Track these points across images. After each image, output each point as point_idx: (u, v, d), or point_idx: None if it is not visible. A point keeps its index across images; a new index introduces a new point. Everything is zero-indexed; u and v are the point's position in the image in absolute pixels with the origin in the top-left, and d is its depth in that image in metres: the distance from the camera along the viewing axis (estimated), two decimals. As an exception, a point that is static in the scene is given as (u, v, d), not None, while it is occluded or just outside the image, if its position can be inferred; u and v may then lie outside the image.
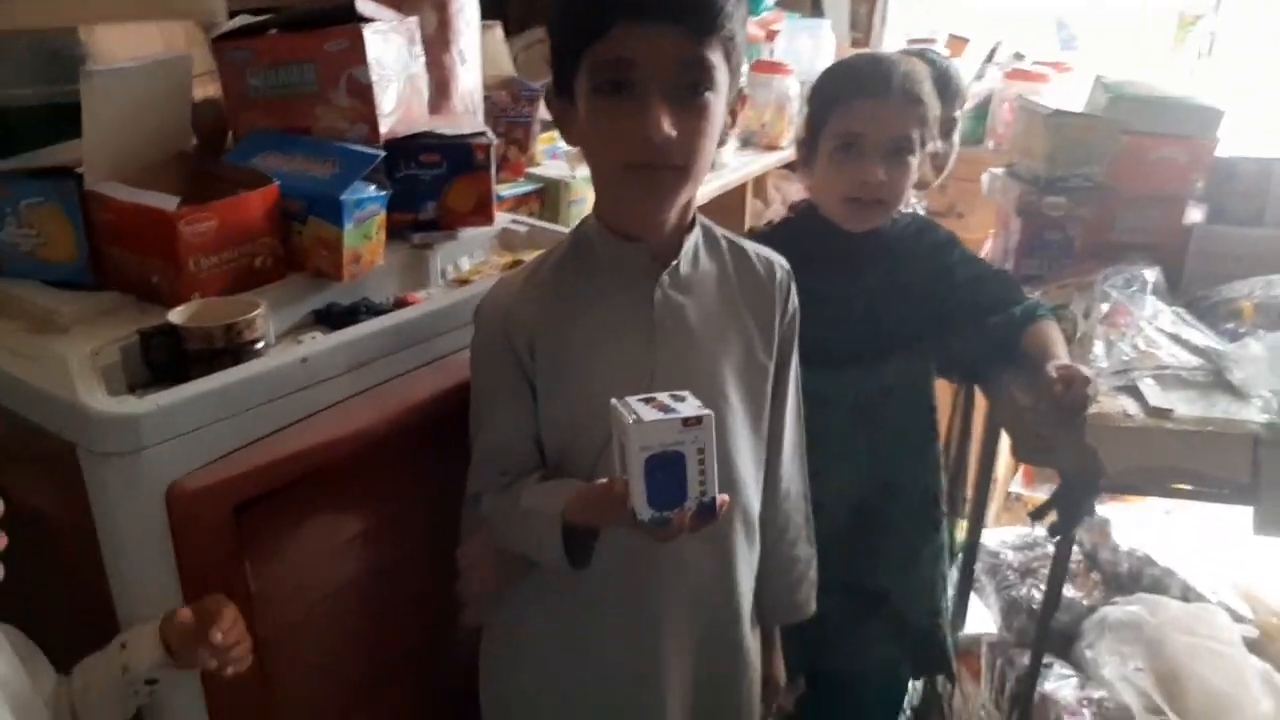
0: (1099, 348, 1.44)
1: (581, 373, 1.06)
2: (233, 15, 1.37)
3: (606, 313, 1.07)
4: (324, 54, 1.26)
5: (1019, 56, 2.97)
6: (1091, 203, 1.71)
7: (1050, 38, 3.22)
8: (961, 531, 2.03)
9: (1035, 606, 1.85)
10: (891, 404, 1.47)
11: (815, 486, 1.28)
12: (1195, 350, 1.46)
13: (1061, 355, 1.35)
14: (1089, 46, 3.17)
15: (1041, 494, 2.05)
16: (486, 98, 1.80)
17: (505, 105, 1.92)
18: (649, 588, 1.11)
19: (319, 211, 1.18)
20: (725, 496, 0.91)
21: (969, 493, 2.01)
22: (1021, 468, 2.53)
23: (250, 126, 1.32)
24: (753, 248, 1.16)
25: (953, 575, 1.82)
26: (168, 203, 1.08)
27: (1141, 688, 1.65)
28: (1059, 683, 1.71)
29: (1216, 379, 1.40)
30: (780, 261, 1.17)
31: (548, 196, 1.91)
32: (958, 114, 1.68)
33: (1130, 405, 1.35)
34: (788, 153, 2.69)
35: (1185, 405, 1.34)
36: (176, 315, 1.05)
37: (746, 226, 2.51)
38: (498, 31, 2.14)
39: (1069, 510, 1.35)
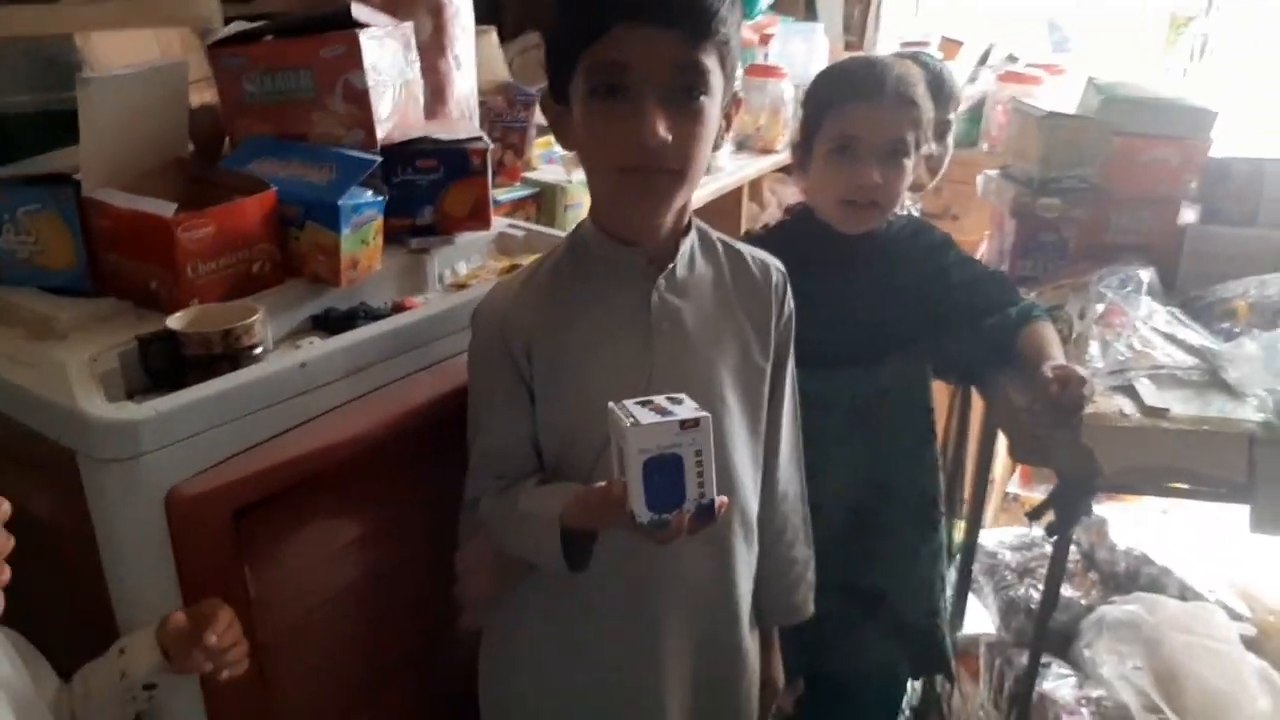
0: (1094, 348, 1.44)
1: (579, 376, 1.06)
2: (228, 21, 1.38)
3: (603, 316, 1.07)
4: (320, 60, 1.26)
5: (1012, 59, 2.98)
6: (1085, 204, 1.72)
7: (1043, 40, 3.24)
8: (959, 532, 2.03)
9: (1033, 606, 1.86)
10: (888, 405, 1.47)
11: (813, 488, 1.28)
12: (1190, 350, 1.46)
13: (1057, 356, 1.35)
14: (1082, 48, 3.18)
15: (1039, 494, 2.05)
16: (482, 103, 1.80)
17: (501, 110, 1.93)
18: (647, 590, 1.11)
19: (316, 217, 1.18)
20: (724, 498, 0.91)
21: (966, 493, 2.01)
22: (1018, 468, 2.53)
23: (247, 132, 1.32)
24: (748, 251, 1.17)
25: (951, 576, 1.82)
26: (165, 209, 1.09)
27: (1139, 686, 1.65)
28: (1057, 682, 1.72)
29: (1212, 378, 1.41)
30: (776, 264, 1.18)
31: (544, 201, 1.91)
32: (951, 116, 1.69)
33: (1126, 405, 1.35)
34: (783, 156, 2.71)
35: (1181, 405, 1.35)
36: (175, 321, 1.05)
37: (742, 230, 2.51)
38: (493, 36, 2.14)
39: (1066, 510, 1.35)
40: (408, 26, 1.39)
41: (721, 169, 2.48)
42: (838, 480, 1.43)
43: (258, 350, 1.07)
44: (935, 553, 1.55)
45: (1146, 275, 1.61)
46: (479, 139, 1.39)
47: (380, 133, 1.30)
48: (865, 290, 1.44)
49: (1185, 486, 1.37)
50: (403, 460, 1.18)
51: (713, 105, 0.98)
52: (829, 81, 1.43)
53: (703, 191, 2.24)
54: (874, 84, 1.35)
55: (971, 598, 2.00)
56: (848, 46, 3.31)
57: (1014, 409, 1.39)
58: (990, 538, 2.08)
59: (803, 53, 2.92)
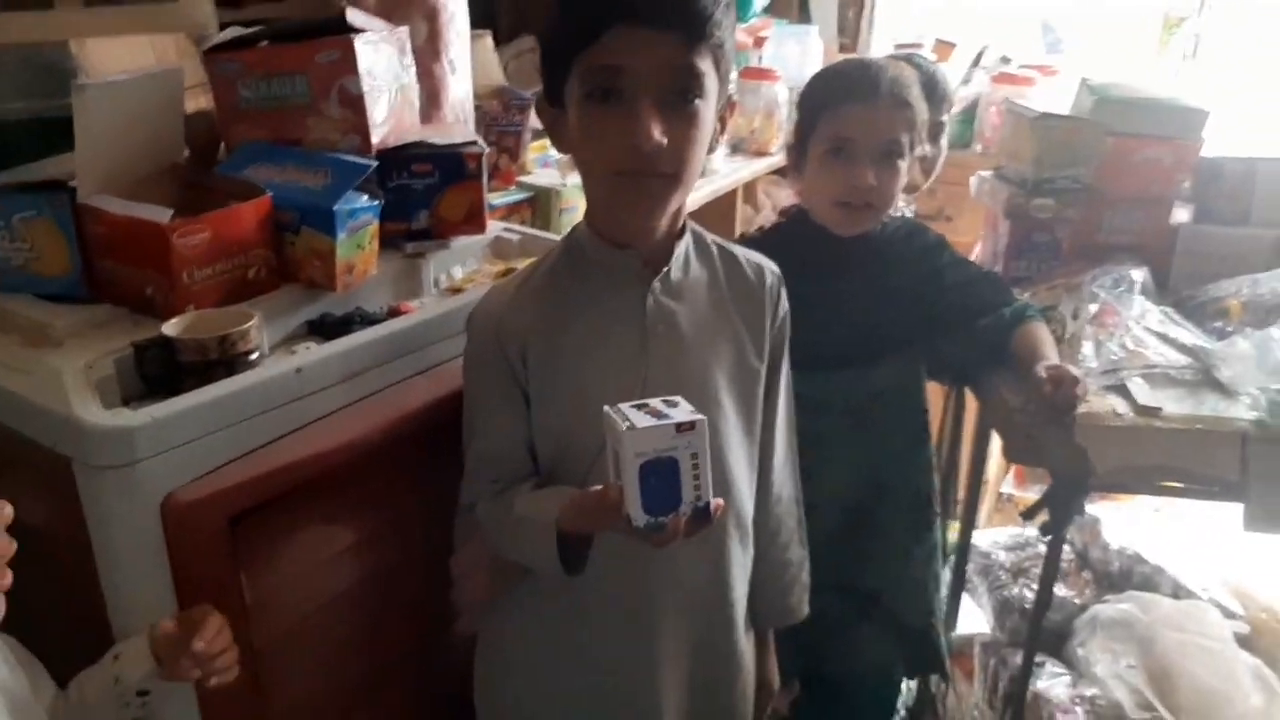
0: (1088, 348, 1.45)
1: (574, 380, 1.06)
2: (223, 27, 1.38)
3: (599, 319, 1.08)
4: (315, 65, 1.26)
5: (1005, 60, 2.99)
6: (1079, 204, 1.73)
7: (1036, 41, 3.24)
8: (953, 533, 2.04)
9: (1027, 606, 1.87)
10: (883, 407, 1.48)
11: (809, 489, 1.29)
12: (1183, 349, 1.47)
13: (1051, 356, 1.36)
14: (1075, 50, 3.19)
15: (1032, 494, 2.06)
16: (477, 107, 1.81)
17: (496, 114, 1.93)
18: (642, 593, 1.11)
19: (312, 222, 1.18)
20: (720, 501, 0.92)
21: (960, 494, 2.02)
22: (1012, 468, 2.54)
23: (242, 138, 1.33)
24: (743, 253, 1.17)
25: (945, 576, 1.83)
26: (161, 215, 1.09)
27: (1133, 685, 1.66)
28: (1051, 681, 1.72)
29: (1205, 377, 1.41)
30: (770, 266, 1.18)
31: (539, 205, 1.92)
32: (945, 118, 1.70)
33: (1119, 404, 1.36)
34: (777, 158, 2.71)
35: (1174, 404, 1.35)
36: (170, 327, 1.05)
37: (737, 232, 2.52)
38: (488, 40, 2.15)
39: (1060, 509, 1.36)
40: (403, 31, 1.39)
41: (716, 172, 2.48)
42: (834, 481, 1.44)
43: (253, 356, 1.07)
44: (930, 553, 1.56)
45: (1139, 275, 1.62)
46: (474, 143, 1.40)
47: (375, 137, 1.31)
48: (860, 292, 1.45)
49: (1178, 485, 1.38)
50: (399, 465, 1.18)
51: (707, 108, 0.99)
52: (824, 84, 1.43)
53: (697, 194, 2.24)
54: (868, 86, 1.36)
55: (966, 598, 2.00)
56: (842, 49, 3.31)
57: (1008, 409, 1.39)
58: (984, 538, 2.09)
59: (797, 55, 2.93)
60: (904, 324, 1.46)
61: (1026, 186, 1.74)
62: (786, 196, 2.61)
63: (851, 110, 1.37)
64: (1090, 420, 1.32)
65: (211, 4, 1.44)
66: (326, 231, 1.18)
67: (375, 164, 1.27)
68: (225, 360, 1.04)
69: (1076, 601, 1.87)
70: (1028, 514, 1.40)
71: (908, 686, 1.97)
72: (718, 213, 2.50)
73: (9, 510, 0.75)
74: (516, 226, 1.61)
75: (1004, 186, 1.80)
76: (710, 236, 1.16)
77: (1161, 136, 1.74)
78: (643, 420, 0.87)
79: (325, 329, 1.22)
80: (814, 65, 2.84)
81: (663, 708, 1.15)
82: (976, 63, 3.03)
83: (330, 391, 1.12)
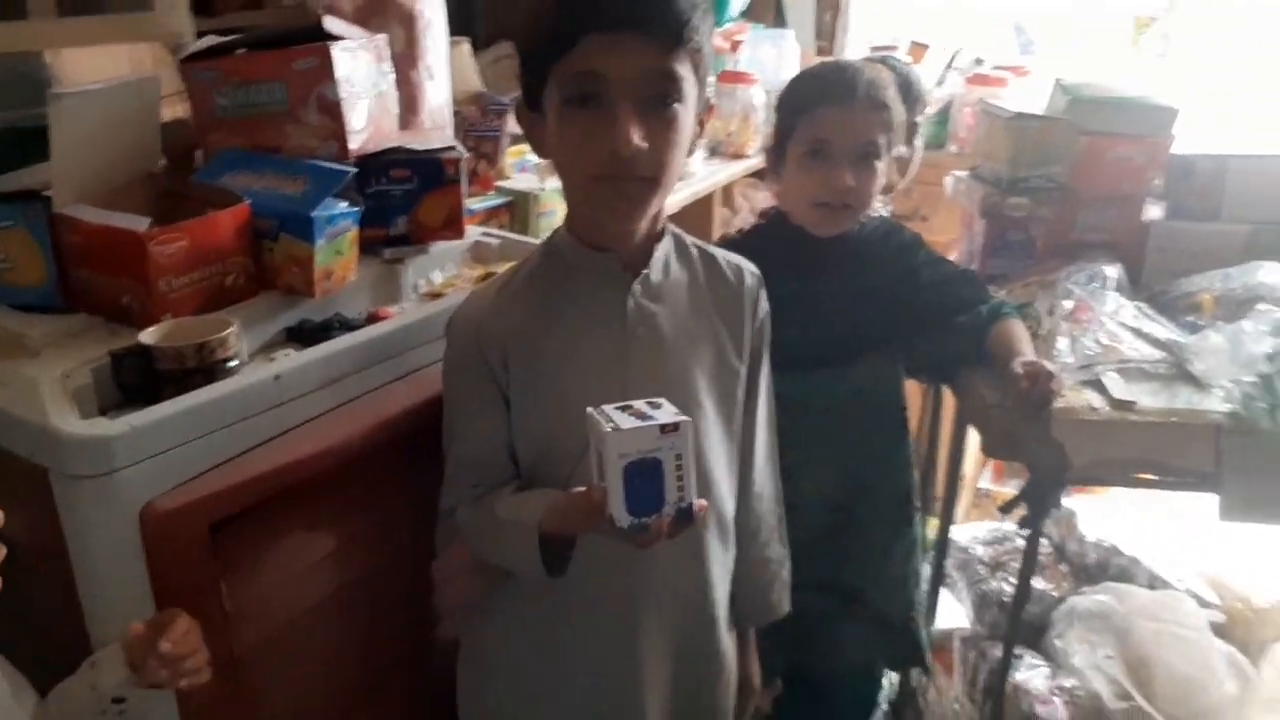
0: (1063, 344, 1.46)
1: (556, 383, 1.07)
2: (200, 35, 1.37)
3: (579, 322, 1.08)
4: (293, 72, 1.26)
5: (978, 62, 3.02)
6: (1053, 203, 1.74)
7: (1009, 43, 3.27)
8: (931, 529, 2.05)
9: (1006, 599, 1.88)
10: (863, 405, 1.49)
11: (790, 488, 1.29)
12: (1157, 343, 1.48)
13: (1027, 352, 1.37)
14: (1046, 51, 3.22)
15: (1009, 489, 2.08)
16: (456, 112, 1.81)
17: (474, 120, 1.93)
18: (625, 595, 1.11)
19: (291, 229, 1.18)
20: (703, 501, 0.92)
21: (939, 490, 2.03)
22: (990, 464, 2.56)
23: (220, 146, 1.32)
24: (722, 255, 1.18)
25: (925, 571, 1.84)
26: (138, 224, 1.09)
27: (1111, 675, 1.68)
28: (1030, 672, 1.74)
29: (1178, 371, 1.43)
30: (750, 268, 1.19)
31: (517, 209, 1.92)
32: (920, 119, 1.71)
33: (1095, 399, 1.37)
34: (754, 161, 2.72)
35: (1148, 397, 1.37)
36: (148, 336, 1.05)
37: (715, 234, 2.53)
38: (465, 47, 2.15)
39: (1038, 503, 1.37)
40: (381, 38, 1.39)
41: (693, 174, 2.49)
42: (815, 480, 1.44)
43: (232, 363, 1.07)
44: (910, 548, 1.57)
45: (1113, 271, 1.64)
46: (453, 148, 1.40)
47: (354, 144, 1.31)
48: (838, 292, 1.46)
49: (1154, 478, 1.40)
50: (379, 471, 1.18)
51: (686, 112, 0.99)
52: (801, 87, 1.45)
53: (675, 197, 2.25)
54: (845, 88, 1.37)
55: (945, 592, 2.02)
56: (819, 51, 3.33)
57: (985, 405, 1.41)
58: (962, 533, 2.10)
59: (773, 59, 2.95)
60: (882, 323, 1.47)
61: (1001, 186, 1.75)
62: (764, 199, 2.63)
63: (829, 113, 1.38)
64: (1066, 415, 1.33)
65: (188, 12, 1.44)
66: (305, 238, 1.18)
67: (354, 170, 1.27)
68: (204, 368, 1.04)
69: (1054, 594, 1.89)
70: (1006, 508, 1.42)
71: (889, 681, 1.98)
72: (695, 215, 2.51)
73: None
74: (496, 231, 1.61)
75: (979, 186, 1.82)
76: (690, 239, 1.17)
77: (1133, 135, 1.76)
78: (627, 422, 0.88)
79: (304, 336, 1.22)
80: (790, 68, 2.86)
81: (646, 708, 1.15)
82: (950, 64, 3.05)
83: (310, 398, 1.12)
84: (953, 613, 2.00)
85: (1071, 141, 1.73)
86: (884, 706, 1.97)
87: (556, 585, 1.03)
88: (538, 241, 1.20)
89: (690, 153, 1.06)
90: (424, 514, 1.17)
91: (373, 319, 1.27)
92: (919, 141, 1.74)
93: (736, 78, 2.73)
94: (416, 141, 1.41)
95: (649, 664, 1.14)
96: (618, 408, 0.90)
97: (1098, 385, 1.40)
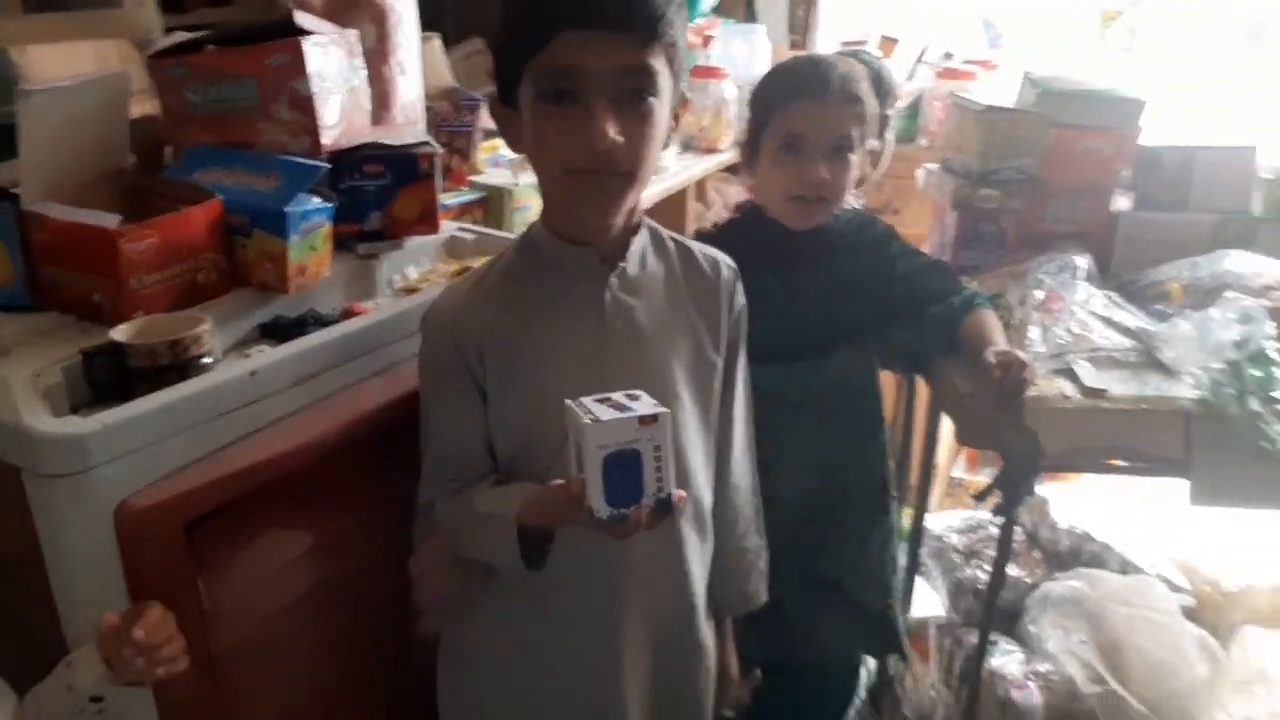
0: (1035, 333, 1.47)
1: (534, 377, 1.07)
2: (169, 32, 1.36)
3: (556, 316, 1.08)
4: (264, 68, 1.25)
5: (948, 56, 3.05)
6: (1023, 194, 1.76)
7: (977, 37, 3.30)
8: (906, 518, 2.07)
9: (980, 586, 1.90)
10: (838, 396, 1.50)
11: (769, 479, 1.30)
12: (1126, 332, 1.50)
13: (999, 342, 1.38)
14: (1014, 45, 3.25)
15: (983, 478, 2.10)
16: (428, 108, 1.80)
17: (446, 115, 1.93)
18: (603, 588, 1.11)
19: (264, 225, 1.18)
20: (682, 492, 0.93)
21: (913, 480, 2.05)
22: (962, 453, 2.58)
23: (190, 142, 1.31)
24: (699, 248, 1.18)
25: (901, 559, 1.86)
26: (108, 220, 1.08)
27: (1085, 659, 1.70)
28: (1005, 658, 1.76)
29: (1148, 359, 1.45)
30: (726, 261, 1.19)
31: (491, 204, 1.91)
32: (891, 112, 1.72)
33: (1067, 387, 1.39)
34: (727, 156, 2.73)
35: (1119, 385, 1.39)
36: (120, 333, 1.04)
37: (689, 229, 2.53)
38: (436, 42, 2.14)
39: (1012, 491, 1.38)
40: (352, 34, 1.39)
41: (667, 169, 2.50)
42: (792, 472, 1.45)
43: (206, 360, 1.06)
44: (887, 536, 1.58)
45: (1083, 261, 1.65)
46: (427, 144, 1.39)
47: (327, 139, 1.30)
48: (813, 285, 1.46)
49: (1125, 464, 1.42)
50: (356, 467, 1.18)
51: (662, 107, 0.99)
52: (775, 81, 1.45)
53: (650, 192, 2.25)
54: (819, 82, 1.38)
55: (920, 581, 2.04)
56: (793, 46, 3.35)
57: (959, 395, 1.42)
58: (937, 522, 2.12)
59: (744, 53, 2.96)
60: (857, 314, 1.48)
61: (972, 178, 1.77)
62: (737, 193, 2.63)
63: (803, 107, 1.38)
64: (1039, 403, 1.35)
65: (157, 9, 1.42)
66: (279, 234, 1.17)
67: (327, 166, 1.26)
68: (177, 365, 1.03)
69: (1027, 580, 1.91)
70: (980, 496, 1.43)
71: (867, 670, 2.00)
72: (669, 210, 2.52)
73: None
74: (471, 226, 1.61)
75: (950, 179, 1.83)
76: (666, 232, 1.17)
77: (1101, 127, 1.78)
78: (605, 413, 0.88)
79: (278, 332, 1.21)
80: (761, 63, 2.87)
81: (627, 700, 1.15)
82: (920, 59, 3.08)
83: (285, 394, 1.11)
84: (928, 601, 2.02)
85: (1041, 134, 1.75)
86: (863, 695, 1.99)
87: (535, 579, 1.03)
88: (513, 236, 1.20)
89: (665, 146, 1.06)
90: (402, 509, 1.16)
91: (348, 315, 1.27)
92: (890, 134, 1.75)
93: (708, 73, 2.74)
94: (389, 137, 1.40)
95: (629, 656, 1.14)
96: (596, 399, 0.90)
97: (1069, 374, 1.42)
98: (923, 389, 1.78)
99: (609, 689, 1.14)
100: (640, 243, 1.11)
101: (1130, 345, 1.48)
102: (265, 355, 1.13)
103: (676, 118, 1.07)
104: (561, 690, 1.15)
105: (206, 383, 1.03)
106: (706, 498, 1.18)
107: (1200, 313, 1.45)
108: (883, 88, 1.50)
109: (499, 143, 1.81)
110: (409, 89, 1.65)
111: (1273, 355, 1.38)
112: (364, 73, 1.41)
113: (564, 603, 1.11)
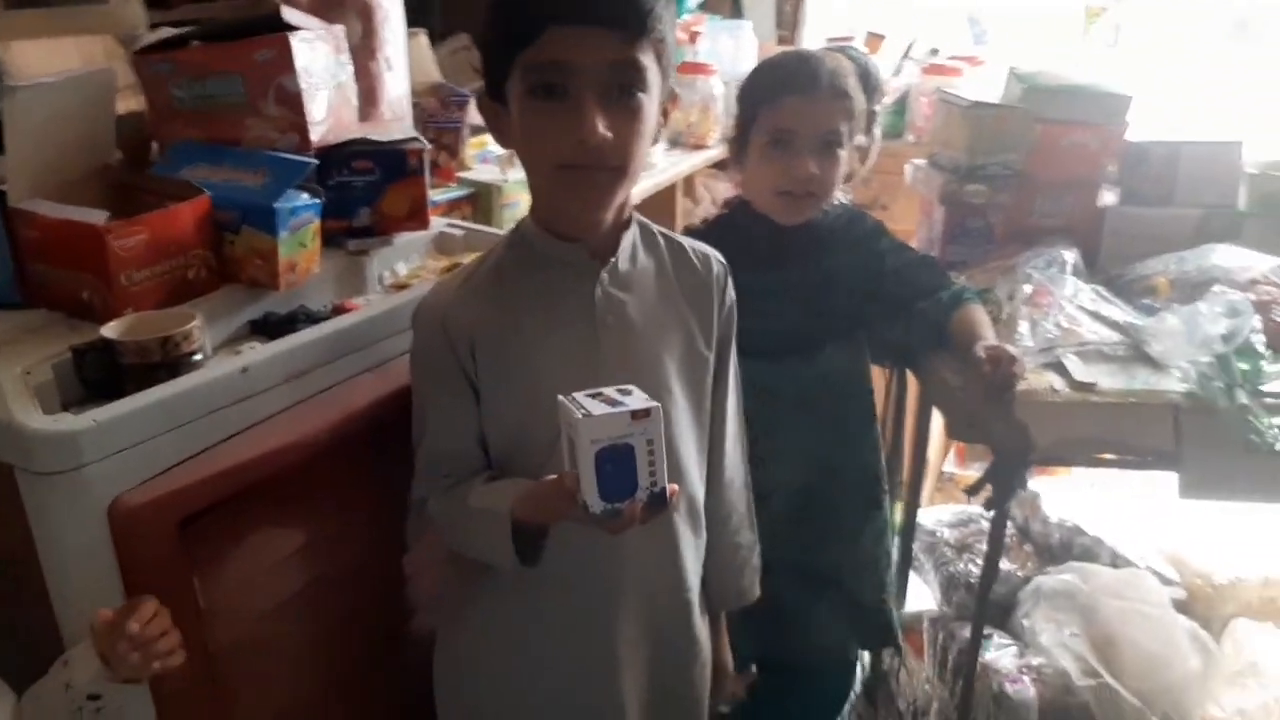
0: (1024, 327, 1.48)
1: (526, 372, 1.06)
2: (153, 28, 1.35)
3: (548, 312, 1.08)
4: (251, 64, 1.24)
5: (934, 52, 3.06)
6: (1010, 189, 1.77)
7: (963, 33, 3.32)
8: (897, 513, 2.08)
9: (972, 580, 1.91)
10: (830, 391, 1.50)
11: (762, 474, 1.30)
12: (1115, 326, 1.51)
13: (989, 336, 1.39)
14: (1000, 41, 3.27)
15: (973, 472, 2.11)
16: (415, 104, 1.79)
17: (434, 111, 1.92)
18: (598, 584, 1.11)
19: (253, 221, 1.17)
20: (675, 486, 0.93)
21: (904, 474, 2.06)
22: (953, 448, 2.60)
23: (176, 139, 1.30)
24: (689, 243, 1.18)
25: (893, 554, 1.87)
26: (96, 217, 1.07)
27: (1078, 652, 1.71)
28: (999, 652, 1.77)
29: (1136, 352, 1.46)
30: (717, 256, 1.19)
31: (480, 201, 1.90)
32: (878, 108, 1.73)
33: (1056, 381, 1.39)
34: (715, 151, 2.74)
35: (1108, 378, 1.40)
36: (110, 330, 1.03)
37: (678, 225, 2.53)
38: (423, 38, 2.14)
39: (1003, 484, 1.39)
40: (338, 29, 1.38)
41: (655, 166, 2.50)
42: (785, 467, 1.46)
43: (197, 357, 1.05)
44: (880, 531, 1.59)
45: (1070, 256, 1.66)
46: (415, 139, 1.39)
47: (315, 135, 1.29)
48: (803, 280, 1.47)
49: (1115, 457, 1.42)
50: (349, 463, 1.17)
51: (651, 102, 0.99)
52: (764, 76, 1.45)
53: (639, 188, 2.25)
54: (808, 78, 1.38)
55: (913, 575, 2.04)
56: (780, 41, 3.36)
57: (949, 389, 1.43)
58: (928, 516, 2.13)
59: (731, 49, 2.96)
60: (846, 309, 1.49)
61: (960, 173, 1.78)
62: (725, 189, 2.64)
63: (791, 102, 1.39)
64: (1029, 397, 1.35)
65: (142, 5, 1.41)
66: (268, 230, 1.16)
67: (316, 162, 1.25)
68: (168, 362, 1.02)
69: (1019, 574, 1.92)
70: (972, 490, 1.43)
71: (862, 666, 2.00)
72: (658, 206, 2.51)
73: None
74: (460, 222, 1.61)
75: (938, 174, 1.84)
76: (656, 227, 1.17)
77: (1088, 122, 1.79)
78: (598, 408, 0.88)
79: (269, 328, 1.21)
80: (748, 59, 2.88)
81: (623, 696, 1.15)
82: (906, 55, 3.09)
83: (276, 391, 1.11)
84: (921, 595, 2.03)
85: (1027, 129, 1.76)
86: (857, 689, 2.00)
87: (530, 577, 1.03)
88: (502, 232, 1.19)
89: (655, 141, 1.07)
90: (395, 506, 1.16)
91: (338, 311, 1.26)
92: (878, 130, 1.76)
93: (695, 69, 2.74)
94: (377, 133, 1.40)
95: (624, 652, 1.14)
96: (589, 394, 0.90)
97: (1058, 367, 1.42)
98: (912, 384, 1.78)
99: (605, 686, 1.14)
100: (631, 238, 1.11)
101: (1118, 339, 1.48)
102: (256, 352, 1.12)
103: (665, 113, 1.07)
104: (558, 688, 1.15)
105: (198, 379, 1.03)
106: (699, 492, 1.18)
107: (1188, 307, 1.46)
108: (870, 83, 1.51)
109: (487, 138, 1.80)
110: (396, 85, 1.65)
111: (1260, 349, 1.40)
112: (351, 68, 1.40)
113: (559, 600, 1.11)
